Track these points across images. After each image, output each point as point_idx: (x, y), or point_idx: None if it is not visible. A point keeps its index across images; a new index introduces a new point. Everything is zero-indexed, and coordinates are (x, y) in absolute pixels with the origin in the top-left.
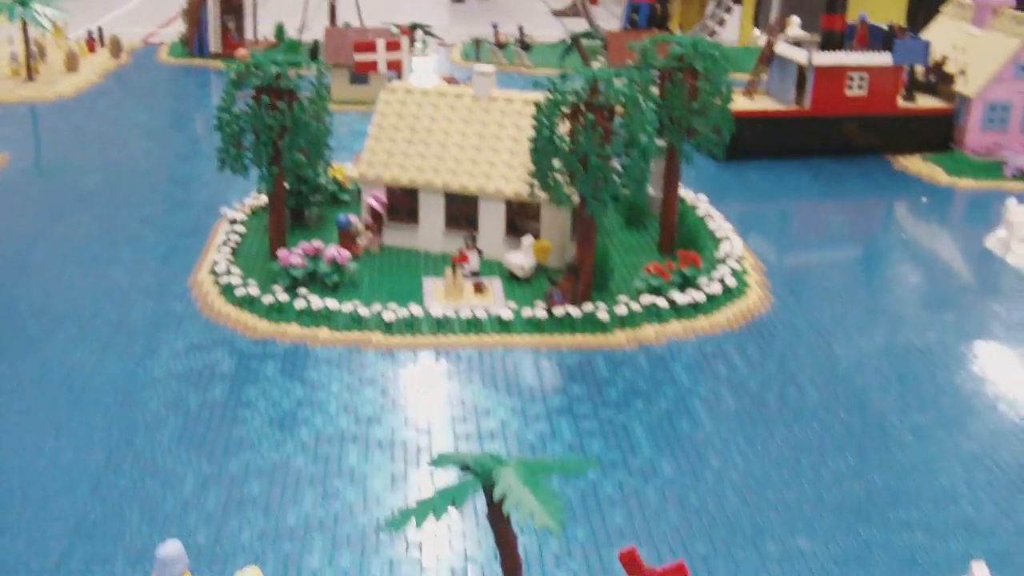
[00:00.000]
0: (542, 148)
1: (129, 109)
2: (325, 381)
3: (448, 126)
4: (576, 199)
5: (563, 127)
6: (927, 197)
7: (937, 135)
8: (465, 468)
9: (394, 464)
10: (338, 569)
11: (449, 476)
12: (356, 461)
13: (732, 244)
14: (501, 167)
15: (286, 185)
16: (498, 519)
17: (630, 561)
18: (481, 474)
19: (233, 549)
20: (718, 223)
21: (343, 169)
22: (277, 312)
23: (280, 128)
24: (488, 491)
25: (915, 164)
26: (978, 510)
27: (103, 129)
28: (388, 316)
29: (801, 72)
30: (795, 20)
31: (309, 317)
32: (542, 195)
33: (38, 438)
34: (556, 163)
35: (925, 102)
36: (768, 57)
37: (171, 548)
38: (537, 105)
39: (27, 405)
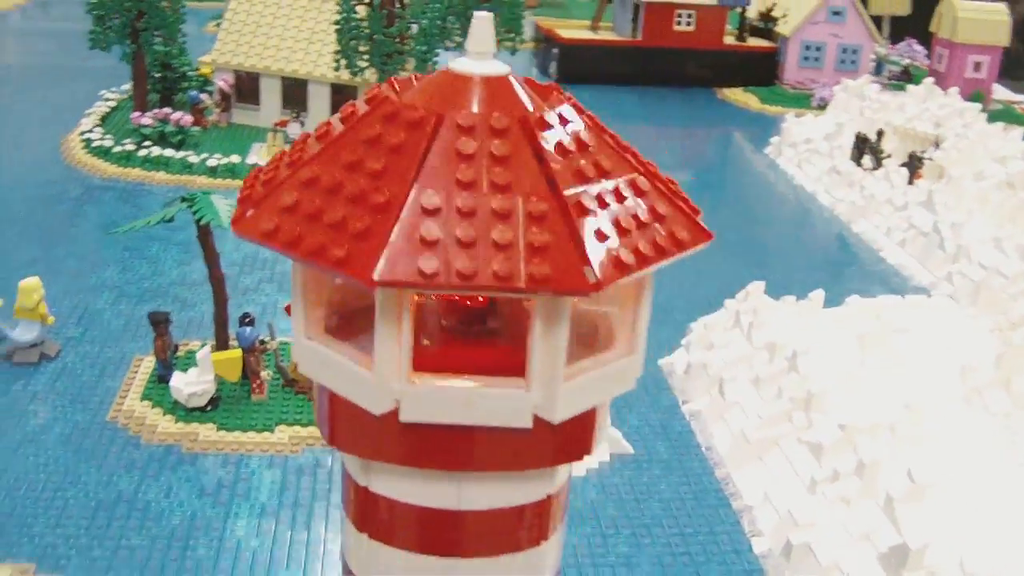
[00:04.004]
0: (343, 29)
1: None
2: (151, 206)
3: (287, 22)
4: (372, 72)
5: (360, 12)
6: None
7: (763, 71)
8: (181, 200)
9: (185, 254)
10: (116, 311)
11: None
12: (156, 251)
13: None
14: (327, 56)
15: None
16: (204, 238)
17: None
18: (187, 199)
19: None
20: None
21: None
22: (124, 159)
23: (137, 12)
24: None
25: (734, 94)
26: None
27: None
28: (212, 163)
29: (636, 8)
30: None
31: (150, 163)
32: (346, 71)
33: None
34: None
35: (755, 42)
36: None
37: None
38: None
39: None
